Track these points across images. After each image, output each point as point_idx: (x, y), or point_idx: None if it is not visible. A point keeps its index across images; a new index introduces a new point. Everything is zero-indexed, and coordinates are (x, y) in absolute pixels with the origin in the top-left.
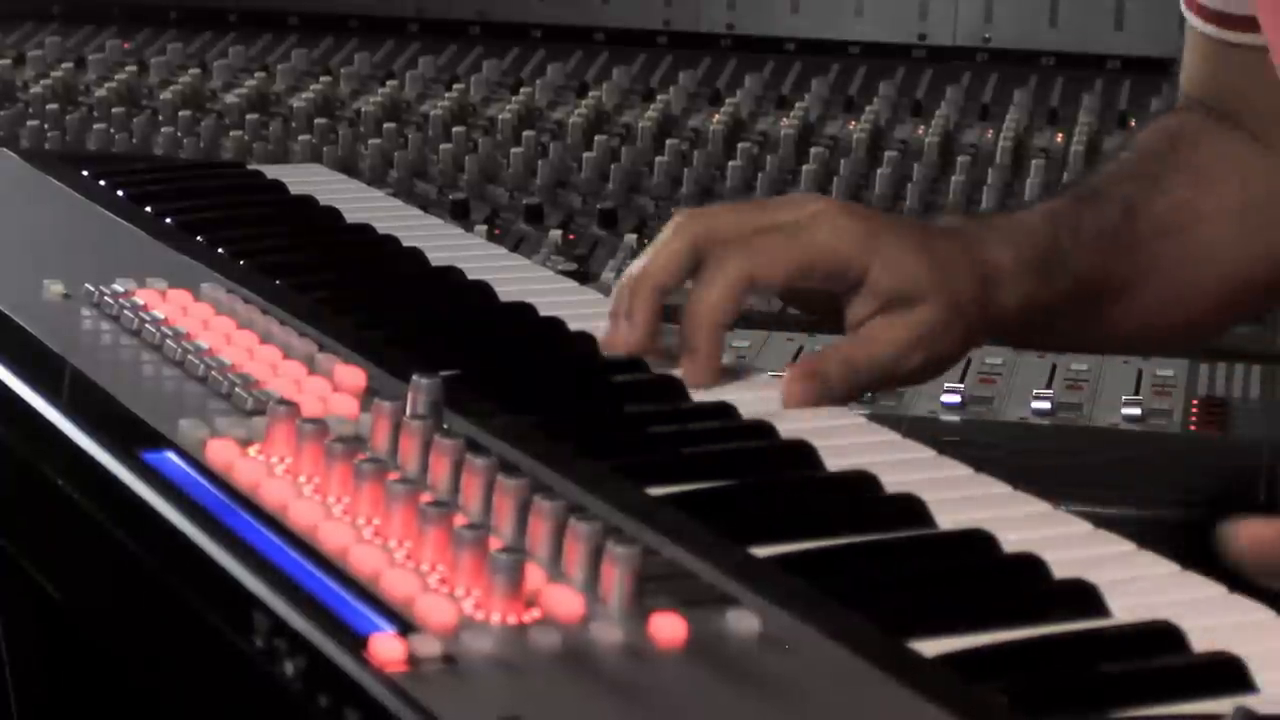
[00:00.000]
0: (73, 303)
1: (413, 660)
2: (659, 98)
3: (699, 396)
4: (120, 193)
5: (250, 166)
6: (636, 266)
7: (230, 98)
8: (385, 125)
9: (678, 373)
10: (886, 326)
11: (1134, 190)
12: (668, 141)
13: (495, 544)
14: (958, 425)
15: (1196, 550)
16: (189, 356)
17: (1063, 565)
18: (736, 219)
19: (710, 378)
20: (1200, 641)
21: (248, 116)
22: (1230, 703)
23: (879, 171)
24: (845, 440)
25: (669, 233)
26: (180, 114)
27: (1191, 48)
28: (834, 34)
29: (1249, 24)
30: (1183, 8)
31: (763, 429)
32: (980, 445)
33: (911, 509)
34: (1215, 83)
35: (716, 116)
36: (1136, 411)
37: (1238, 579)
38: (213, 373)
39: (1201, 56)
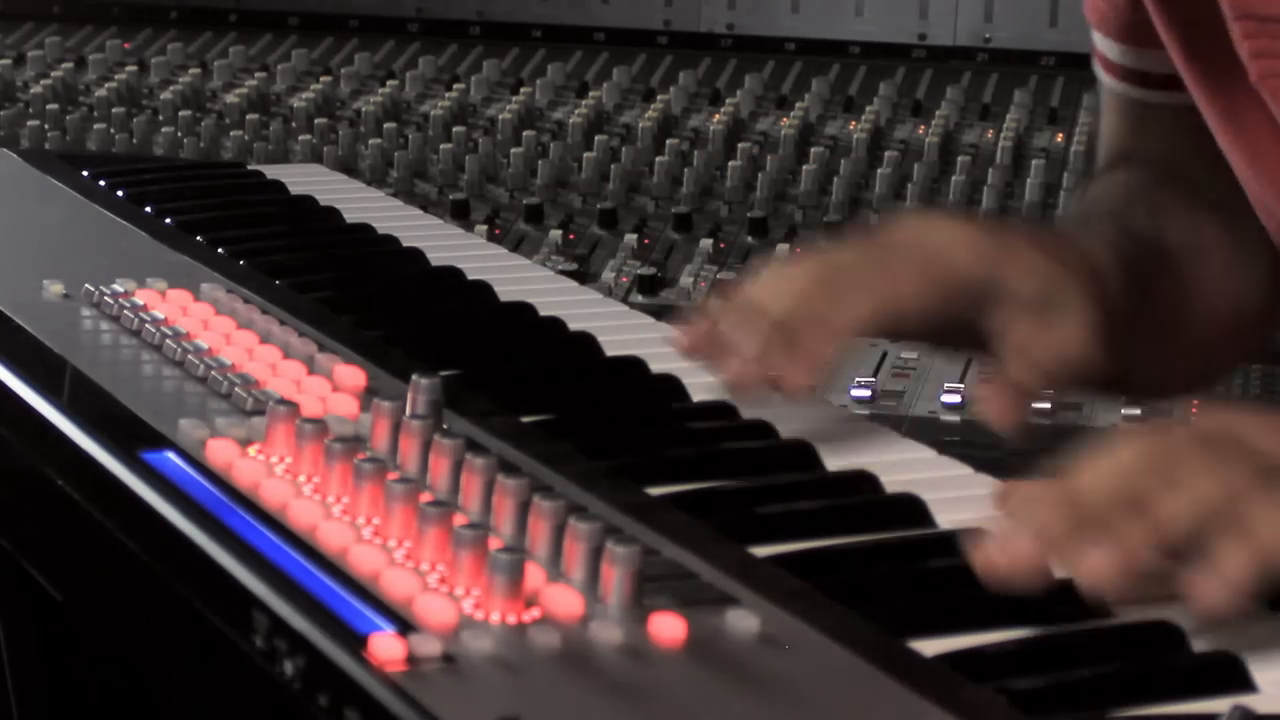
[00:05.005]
0: (73, 303)
1: (412, 660)
2: (659, 98)
3: (700, 397)
4: (120, 193)
5: (250, 166)
6: (750, 295)
7: (230, 98)
8: (385, 125)
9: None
10: (1061, 321)
11: (1131, 232)
12: (668, 141)
13: (495, 544)
14: (958, 425)
15: None
16: (189, 356)
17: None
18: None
19: (806, 381)
20: (1200, 642)
21: (248, 116)
22: (1229, 702)
23: (879, 171)
24: (845, 440)
25: (788, 268)
26: (180, 114)
27: (1114, 111)
28: (834, 34)
29: (1169, 82)
30: (1099, 71)
31: (763, 429)
32: (980, 445)
33: (911, 509)
34: (1151, 147)
35: (716, 116)
36: (1137, 411)
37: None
38: (213, 373)
39: (1126, 120)
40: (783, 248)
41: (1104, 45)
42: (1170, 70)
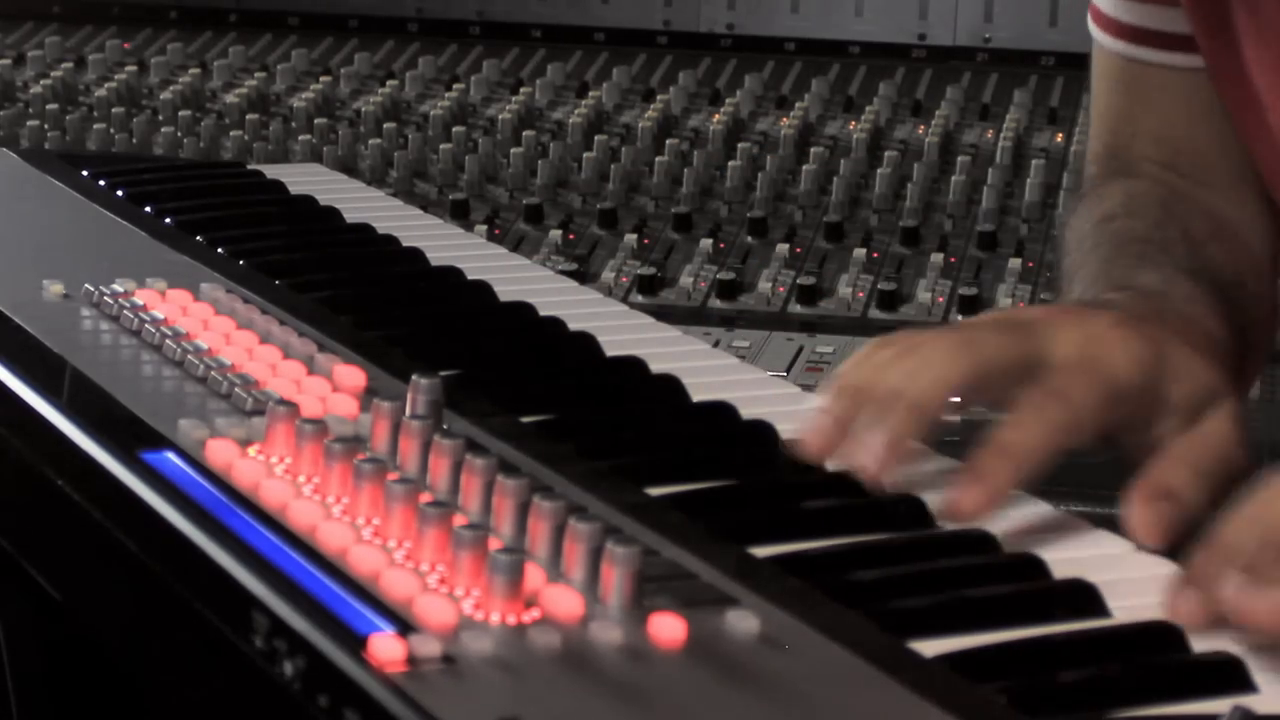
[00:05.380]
0: (73, 303)
1: (412, 660)
2: (659, 98)
3: (700, 397)
4: (120, 193)
5: (250, 166)
6: (1004, 437)
7: (230, 98)
8: (385, 125)
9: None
10: (1207, 441)
11: (1184, 259)
12: (668, 141)
13: (495, 544)
14: (958, 425)
15: None
16: (189, 356)
17: (1063, 565)
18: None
19: (983, 511)
20: (1198, 641)
21: (248, 116)
22: (1229, 702)
23: (879, 171)
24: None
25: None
26: (180, 114)
27: (1109, 77)
28: (834, 34)
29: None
30: (1094, 30)
31: (762, 429)
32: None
33: (912, 509)
34: (1152, 120)
35: (716, 116)
36: None
37: None
38: (212, 373)
39: (1120, 85)
40: (782, 247)
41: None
42: (1173, 29)
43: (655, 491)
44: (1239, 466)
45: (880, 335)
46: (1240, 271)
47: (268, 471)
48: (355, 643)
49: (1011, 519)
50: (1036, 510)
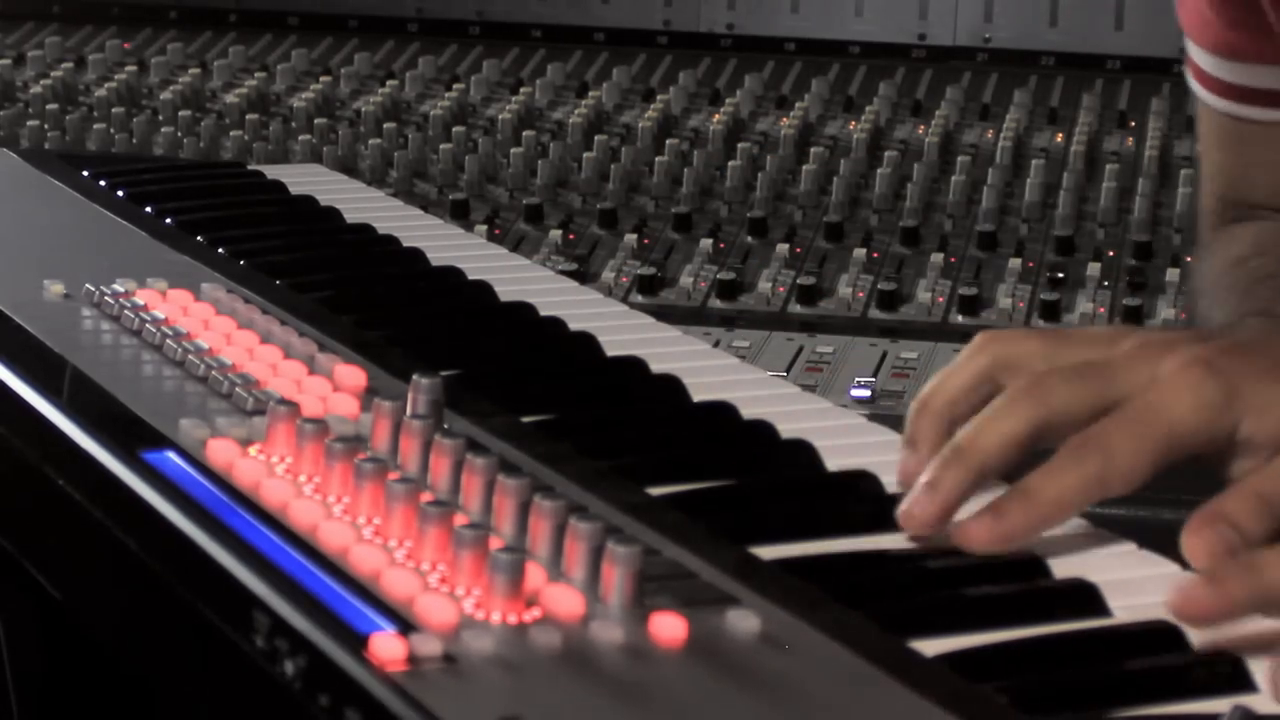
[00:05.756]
0: (73, 303)
1: (413, 660)
2: (659, 98)
3: (700, 397)
4: (120, 193)
5: (250, 166)
6: (962, 435)
7: (230, 98)
8: (385, 125)
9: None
10: None
11: None
12: (668, 141)
13: (495, 543)
14: None
15: None
16: (189, 356)
17: (1063, 565)
18: (1081, 397)
19: (935, 522)
20: (1199, 641)
21: (248, 116)
22: (1229, 702)
23: (879, 171)
24: (845, 440)
25: (1004, 405)
26: (180, 114)
27: (1214, 131)
28: (834, 34)
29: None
30: (1195, 87)
31: (763, 429)
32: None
33: None
34: (1261, 176)
35: (716, 116)
36: None
37: None
38: (213, 373)
39: (1236, 152)
40: (782, 247)
41: (1201, 58)
42: (1272, 85)
43: (656, 491)
44: None
45: (876, 335)
46: None
47: (268, 471)
48: (356, 642)
49: None
50: None
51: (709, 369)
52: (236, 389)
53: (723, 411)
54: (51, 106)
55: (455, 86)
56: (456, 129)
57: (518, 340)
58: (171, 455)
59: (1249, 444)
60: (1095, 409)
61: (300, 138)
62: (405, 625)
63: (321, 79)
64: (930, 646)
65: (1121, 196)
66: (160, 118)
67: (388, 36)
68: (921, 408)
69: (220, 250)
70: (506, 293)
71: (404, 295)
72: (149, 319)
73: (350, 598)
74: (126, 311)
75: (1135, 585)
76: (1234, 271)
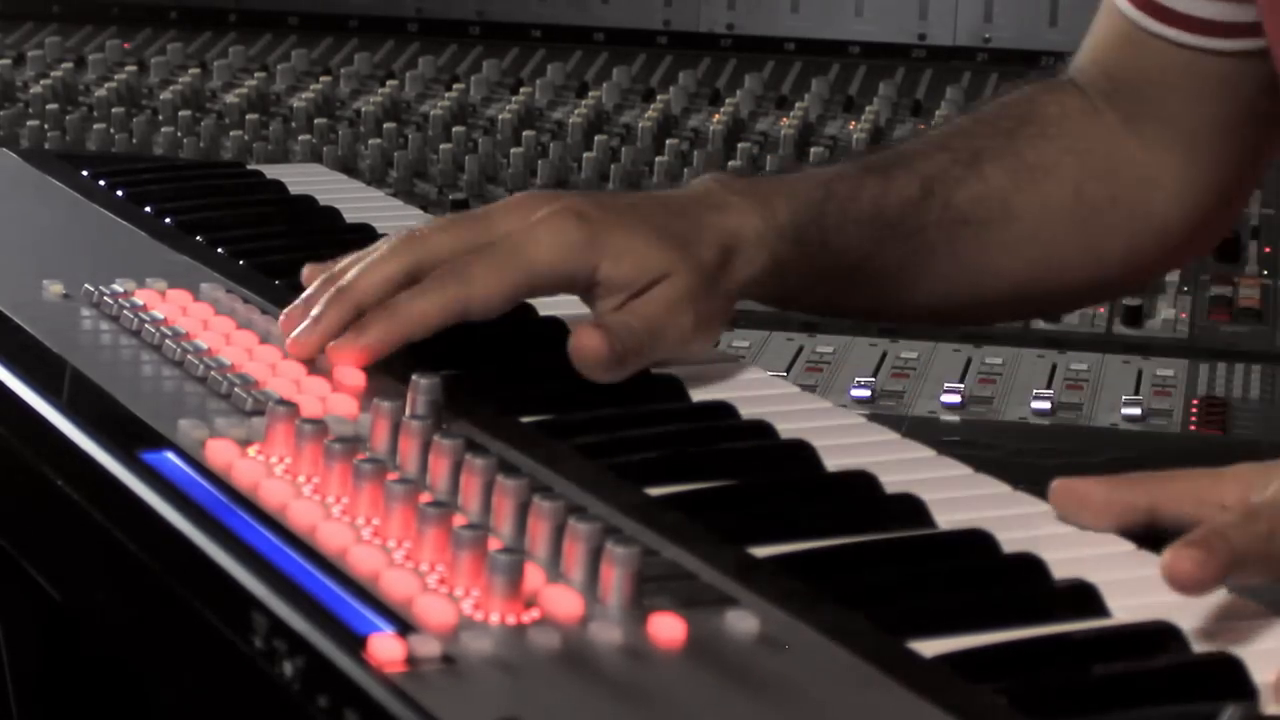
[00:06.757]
0: (73, 303)
1: (412, 660)
2: (659, 98)
3: (700, 396)
4: (120, 193)
5: (250, 166)
6: (346, 278)
7: (230, 98)
8: (385, 125)
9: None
10: (644, 303)
11: (943, 170)
12: (668, 141)
13: (494, 544)
14: (958, 425)
15: None
16: (189, 356)
17: (1063, 565)
18: (453, 240)
19: (360, 361)
20: (1200, 642)
21: (248, 116)
22: (1229, 703)
23: None
24: (845, 440)
25: (384, 251)
26: (180, 114)
27: (1110, 29)
28: (834, 34)
29: (1185, 22)
30: None
31: (763, 429)
32: (980, 445)
33: (911, 509)
34: (1124, 68)
35: (716, 116)
36: (1136, 411)
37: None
38: (212, 373)
39: (1117, 38)
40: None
41: None
42: (1187, 10)
43: (655, 491)
44: (674, 333)
45: (876, 335)
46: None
47: (267, 471)
48: (355, 643)
49: (1012, 520)
50: (1036, 510)
51: (709, 369)
52: (235, 389)
53: (722, 411)
54: (51, 106)
55: (455, 86)
56: (456, 129)
57: (517, 340)
58: (170, 456)
59: (606, 285)
60: (469, 250)
61: (300, 138)
62: (404, 626)
63: (321, 79)
64: (930, 646)
65: None
66: (160, 118)
67: (388, 36)
68: (336, 295)
69: (220, 250)
70: None
71: None
72: (148, 319)
73: (349, 598)
74: (126, 311)
75: (1135, 585)
76: (952, 119)
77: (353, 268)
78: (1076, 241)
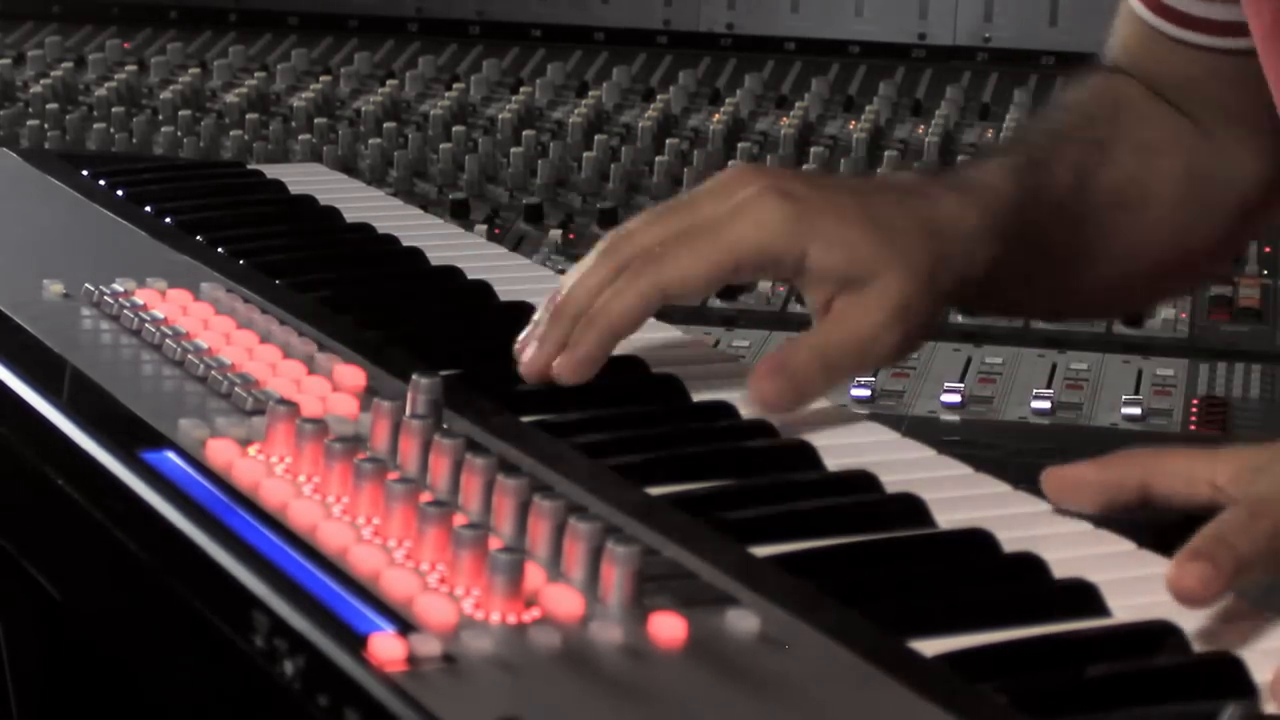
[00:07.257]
0: (73, 303)
1: (412, 660)
2: (659, 98)
3: (700, 397)
4: (120, 193)
5: (250, 166)
6: (562, 289)
7: (230, 98)
8: (385, 125)
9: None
10: (854, 305)
11: (1083, 158)
12: (668, 141)
13: (495, 544)
14: (958, 425)
15: None
16: (189, 356)
17: (1063, 565)
18: (658, 230)
19: (580, 375)
20: (1200, 642)
21: (248, 116)
22: (1229, 702)
23: (879, 171)
24: (845, 440)
25: (592, 257)
26: (180, 114)
27: (1133, 32)
28: (834, 34)
29: (1204, 25)
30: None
31: (763, 429)
32: (980, 445)
33: (911, 509)
34: (1156, 68)
35: (716, 116)
36: (1137, 411)
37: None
38: (213, 372)
39: (1142, 41)
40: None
41: None
42: (1196, 12)
43: (655, 491)
44: (878, 350)
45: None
46: (1122, 186)
47: (268, 471)
48: (355, 642)
49: (1013, 519)
50: (1036, 510)
51: (709, 369)
52: (236, 389)
53: (722, 411)
54: (51, 106)
55: (455, 86)
56: (456, 129)
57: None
58: (171, 455)
59: (816, 273)
60: (673, 238)
61: (300, 137)
62: (404, 625)
63: (321, 79)
64: (930, 646)
65: None
66: (160, 117)
67: (388, 36)
68: (556, 310)
69: (220, 250)
70: (506, 292)
71: (403, 295)
72: (148, 318)
73: (349, 598)
74: (126, 311)
75: (1135, 585)
76: (1050, 115)
77: (569, 280)
78: (1195, 217)
